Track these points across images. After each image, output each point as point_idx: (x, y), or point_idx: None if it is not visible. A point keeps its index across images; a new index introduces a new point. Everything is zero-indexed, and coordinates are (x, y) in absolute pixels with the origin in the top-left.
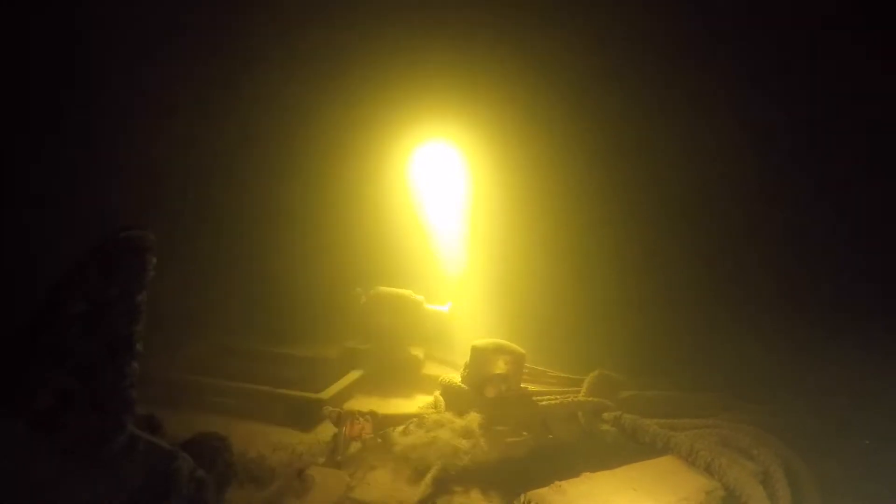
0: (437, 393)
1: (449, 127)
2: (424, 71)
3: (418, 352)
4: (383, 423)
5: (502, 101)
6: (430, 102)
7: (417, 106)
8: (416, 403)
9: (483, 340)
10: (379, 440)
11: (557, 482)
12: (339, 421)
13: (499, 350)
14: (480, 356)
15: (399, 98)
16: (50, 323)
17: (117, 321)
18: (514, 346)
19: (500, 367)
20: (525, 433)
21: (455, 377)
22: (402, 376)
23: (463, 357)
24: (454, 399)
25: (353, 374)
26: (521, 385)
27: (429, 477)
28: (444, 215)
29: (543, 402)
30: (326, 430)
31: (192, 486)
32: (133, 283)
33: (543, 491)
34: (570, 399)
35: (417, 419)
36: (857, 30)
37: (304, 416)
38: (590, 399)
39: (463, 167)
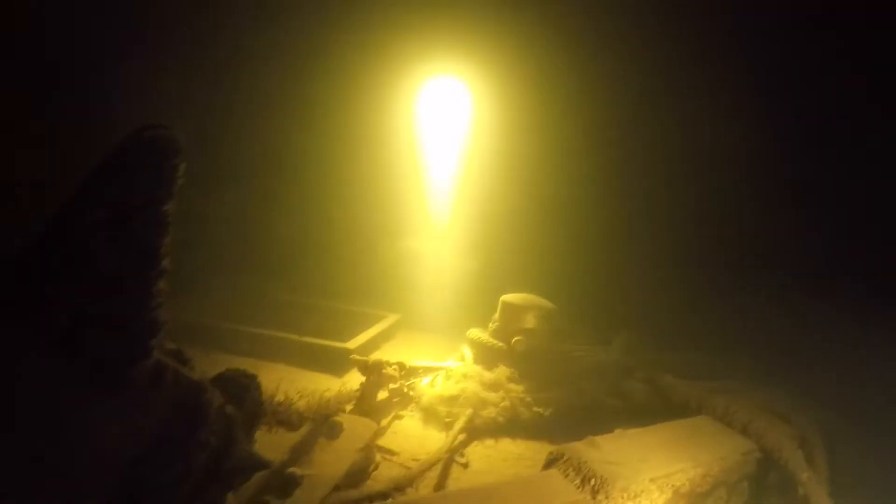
0: (465, 346)
1: (458, 62)
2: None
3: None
4: (410, 374)
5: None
6: (439, 34)
7: (425, 38)
8: (444, 357)
9: (513, 294)
10: (406, 390)
11: (590, 437)
12: (366, 370)
13: (529, 304)
14: (510, 310)
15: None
16: (67, 232)
17: (142, 233)
18: (545, 300)
19: (530, 321)
20: (554, 389)
21: (482, 331)
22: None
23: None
24: (482, 353)
25: (382, 324)
26: (551, 341)
27: (457, 427)
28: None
29: (573, 359)
30: (354, 379)
31: (222, 422)
32: (159, 191)
33: (577, 444)
34: (600, 356)
35: (445, 371)
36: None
37: (332, 363)
38: (620, 357)
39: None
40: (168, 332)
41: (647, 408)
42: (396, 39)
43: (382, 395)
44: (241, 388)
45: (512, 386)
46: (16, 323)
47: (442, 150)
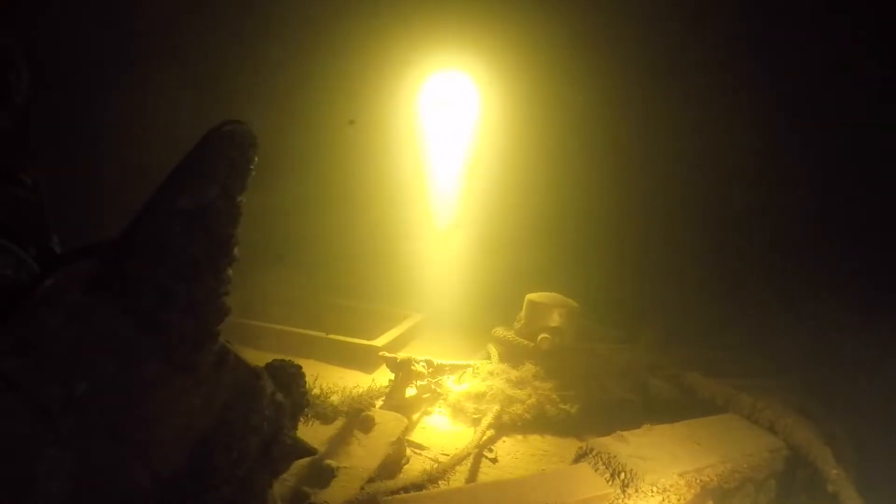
0: (490, 345)
1: (464, 55)
2: None
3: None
4: (438, 372)
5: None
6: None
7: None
8: (470, 355)
9: (538, 293)
10: (434, 387)
11: (619, 432)
12: (395, 367)
13: (554, 303)
14: (535, 309)
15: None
16: (153, 220)
17: (216, 222)
18: (569, 299)
19: (555, 319)
20: (580, 386)
21: (508, 330)
22: None
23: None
24: (508, 351)
25: (407, 322)
26: (576, 339)
27: (485, 423)
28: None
29: (598, 356)
30: (383, 375)
31: (272, 409)
32: (234, 182)
33: (605, 440)
34: (625, 354)
35: (472, 369)
36: None
37: (360, 360)
38: (645, 355)
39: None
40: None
41: (673, 405)
42: (401, 31)
43: (411, 391)
44: (289, 377)
45: (538, 383)
46: (108, 301)
47: (449, 146)
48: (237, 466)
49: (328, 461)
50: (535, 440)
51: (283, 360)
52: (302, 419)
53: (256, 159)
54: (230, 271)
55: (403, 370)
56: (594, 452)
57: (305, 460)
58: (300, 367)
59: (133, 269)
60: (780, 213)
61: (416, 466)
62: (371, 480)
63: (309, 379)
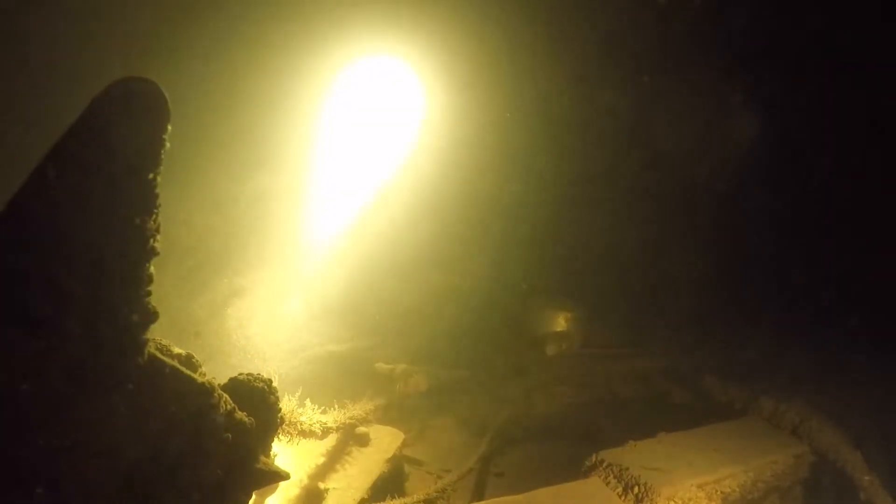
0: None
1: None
2: None
3: None
4: (438, 380)
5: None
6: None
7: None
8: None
9: (542, 298)
10: (434, 397)
11: (632, 442)
12: (391, 378)
13: (560, 308)
14: (540, 314)
15: None
16: (40, 202)
17: (125, 206)
18: (576, 304)
19: (561, 324)
20: (588, 391)
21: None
22: None
23: None
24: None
25: None
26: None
27: (489, 434)
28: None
29: (607, 361)
30: (379, 388)
31: (233, 430)
32: (142, 156)
33: (617, 451)
34: (636, 359)
35: (474, 377)
36: None
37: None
38: (656, 358)
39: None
40: (172, 335)
41: (688, 409)
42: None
43: (410, 403)
44: (256, 393)
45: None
46: None
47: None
48: (190, 495)
49: (319, 484)
50: (543, 451)
51: (248, 375)
52: (285, 439)
53: (170, 127)
54: (150, 268)
55: (400, 381)
56: (605, 464)
57: (294, 482)
58: (270, 382)
59: (18, 264)
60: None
61: (415, 484)
62: (364, 501)
63: (294, 396)
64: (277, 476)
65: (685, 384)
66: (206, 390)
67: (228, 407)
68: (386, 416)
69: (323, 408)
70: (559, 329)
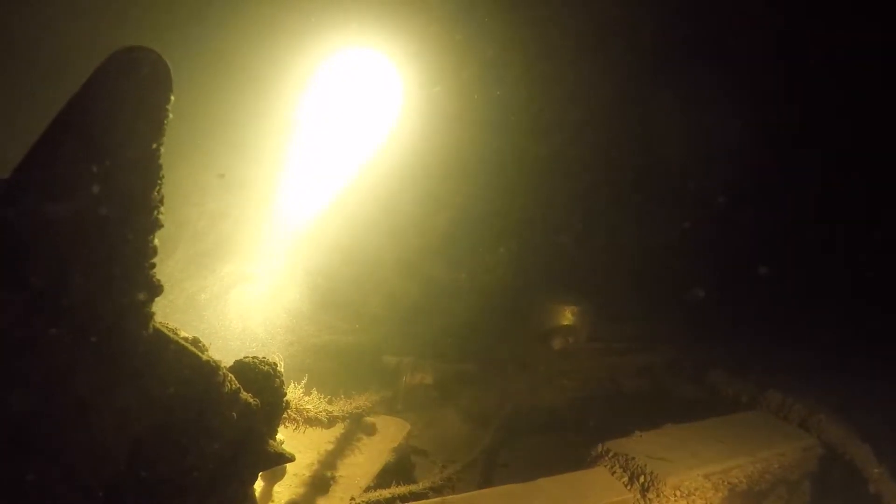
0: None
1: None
2: None
3: None
4: (444, 373)
5: None
6: None
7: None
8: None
9: (550, 293)
10: (440, 390)
11: (638, 432)
12: (398, 370)
13: (566, 302)
14: (546, 308)
15: None
16: (42, 171)
17: (126, 175)
18: (583, 298)
19: (568, 318)
20: (594, 384)
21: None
22: None
23: None
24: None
25: None
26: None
27: (493, 425)
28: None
29: (612, 355)
30: (386, 379)
31: (238, 410)
32: (144, 126)
33: (623, 441)
34: (643, 352)
35: (480, 370)
36: None
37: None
38: (663, 351)
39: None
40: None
41: (695, 402)
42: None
43: (416, 395)
44: (261, 376)
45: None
46: None
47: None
48: (193, 474)
49: (327, 472)
50: (549, 442)
51: (253, 358)
52: (291, 426)
53: (172, 98)
54: (154, 239)
55: (406, 373)
56: (611, 454)
57: (302, 469)
58: (275, 365)
59: (22, 227)
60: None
61: (421, 473)
62: (370, 489)
63: (300, 384)
64: (283, 458)
65: (691, 378)
66: (211, 368)
67: (234, 387)
68: (392, 407)
69: (329, 397)
70: (566, 323)
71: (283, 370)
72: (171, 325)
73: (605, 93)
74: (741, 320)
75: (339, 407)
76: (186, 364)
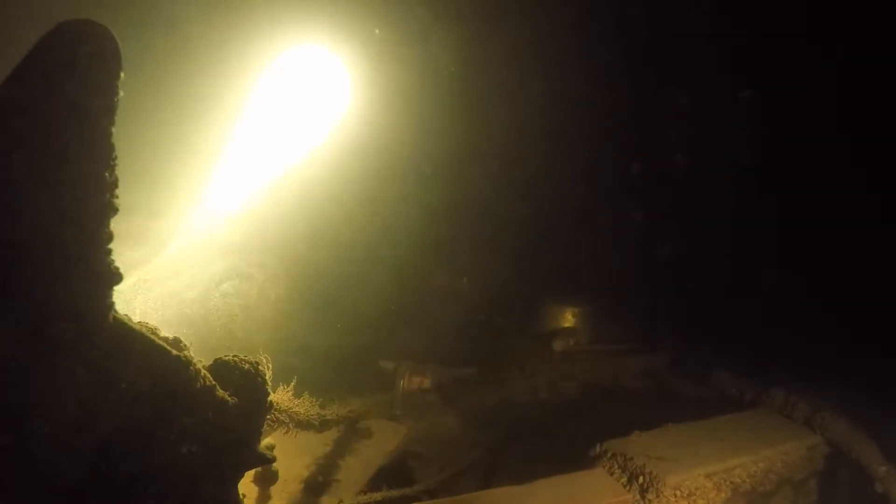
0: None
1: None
2: None
3: None
4: (443, 377)
5: None
6: None
7: None
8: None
9: (550, 295)
10: (438, 394)
11: (638, 432)
12: (395, 374)
13: (567, 303)
14: (547, 310)
15: None
16: None
17: (71, 154)
18: (583, 300)
19: (568, 320)
20: (595, 386)
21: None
22: None
23: None
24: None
25: None
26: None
27: (494, 429)
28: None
29: (614, 356)
30: (383, 384)
31: (214, 409)
32: (90, 102)
33: (622, 441)
34: (644, 353)
35: (479, 373)
36: None
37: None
38: (664, 354)
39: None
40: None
41: (697, 403)
42: None
43: (414, 399)
44: (241, 375)
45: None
46: None
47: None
48: (166, 475)
49: (320, 476)
50: (548, 446)
51: (234, 356)
52: (281, 430)
53: (122, 74)
54: (109, 224)
55: (404, 377)
56: (609, 454)
57: (295, 473)
58: (256, 364)
59: None
60: None
61: (418, 476)
62: (364, 492)
63: (289, 386)
64: (264, 459)
65: (693, 379)
66: (181, 363)
67: (208, 383)
68: (390, 411)
69: (321, 400)
70: (566, 325)
71: (267, 370)
72: (152, 324)
73: (605, 93)
74: (744, 320)
75: (333, 411)
76: (155, 358)
